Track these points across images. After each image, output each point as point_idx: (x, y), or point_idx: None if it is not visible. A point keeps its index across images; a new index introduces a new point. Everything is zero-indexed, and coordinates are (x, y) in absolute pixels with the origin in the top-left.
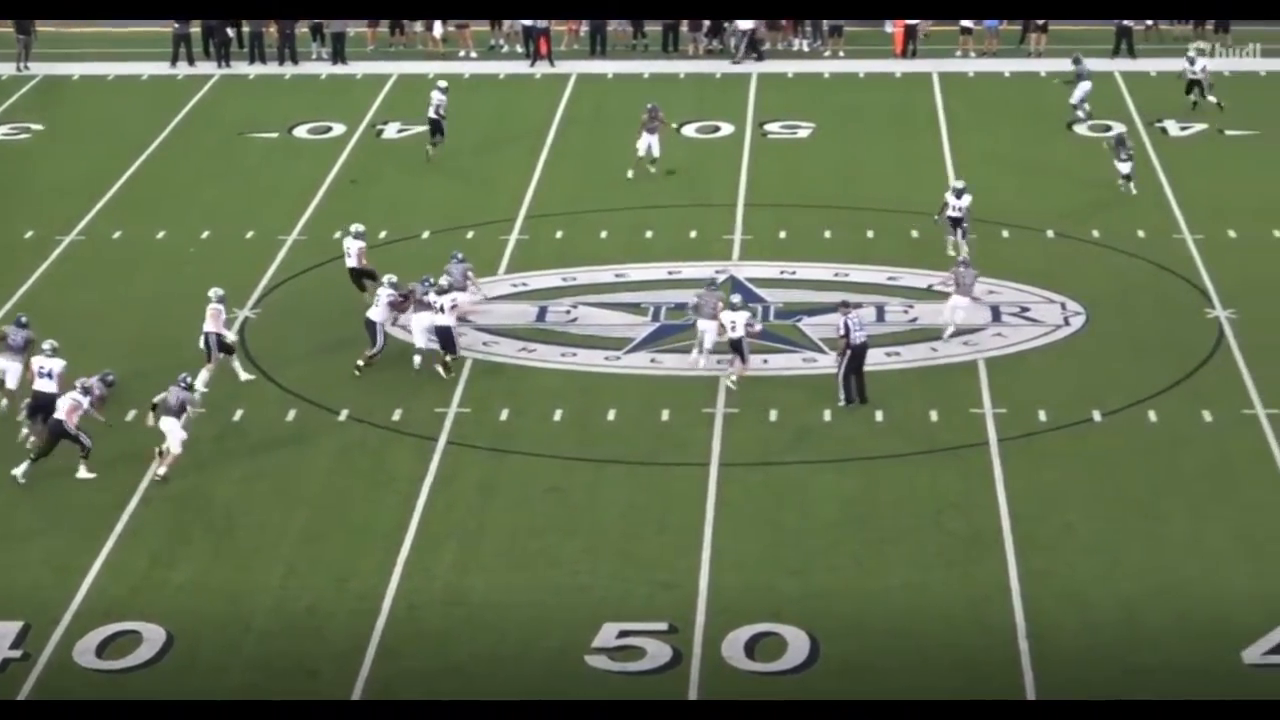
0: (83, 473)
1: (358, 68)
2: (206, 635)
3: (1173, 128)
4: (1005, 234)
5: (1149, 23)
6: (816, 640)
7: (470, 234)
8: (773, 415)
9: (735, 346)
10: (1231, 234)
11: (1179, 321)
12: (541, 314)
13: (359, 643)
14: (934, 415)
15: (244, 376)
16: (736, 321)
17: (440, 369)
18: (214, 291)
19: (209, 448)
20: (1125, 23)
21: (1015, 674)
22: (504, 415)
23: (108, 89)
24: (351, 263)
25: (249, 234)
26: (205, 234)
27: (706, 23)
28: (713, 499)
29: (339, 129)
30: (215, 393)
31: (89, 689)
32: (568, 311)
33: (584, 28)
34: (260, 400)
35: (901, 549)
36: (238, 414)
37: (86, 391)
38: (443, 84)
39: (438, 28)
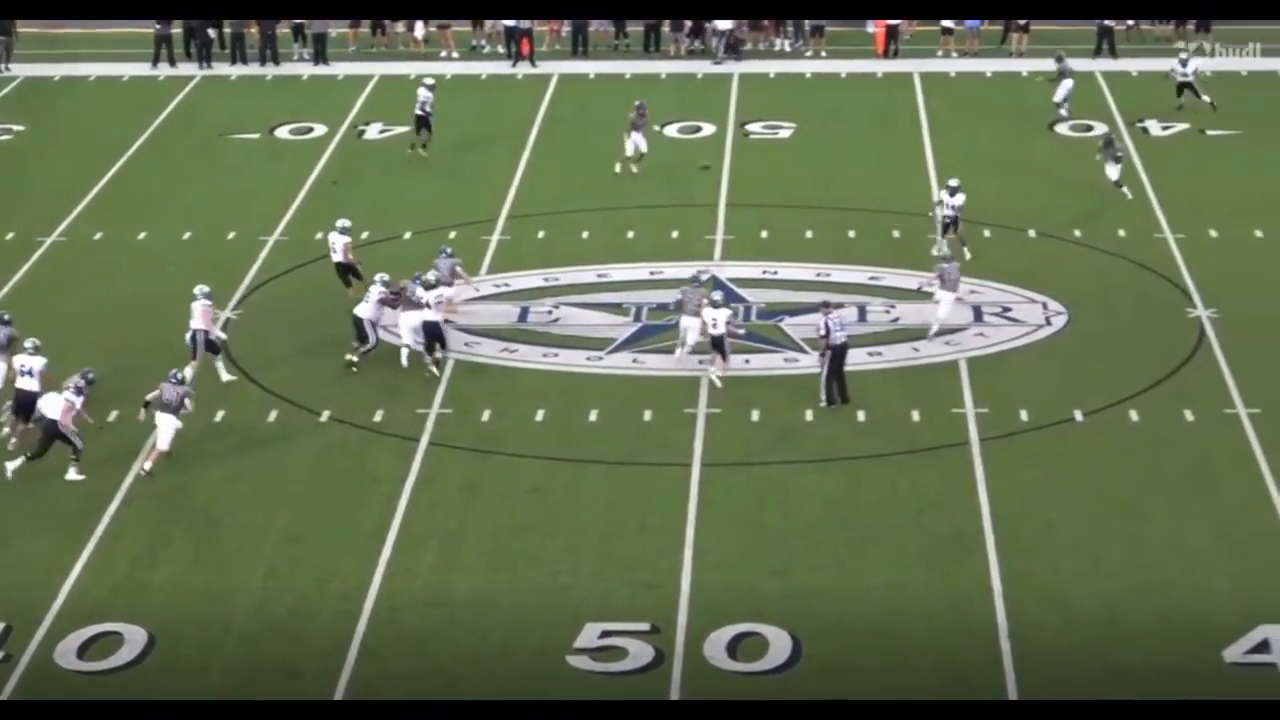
0: (72, 474)
1: (339, 68)
2: (188, 636)
3: (1154, 127)
4: (987, 234)
5: (1130, 23)
6: (799, 640)
7: (452, 234)
8: (755, 415)
9: (717, 344)
10: (1213, 234)
11: (1160, 321)
12: (523, 314)
13: (341, 643)
14: (916, 415)
15: (225, 377)
16: (718, 319)
17: (434, 368)
18: (200, 289)
19: (190, 448)
20: (1106, 23)
21: (997, 674)
22: (486, 416)
23: (89, 90)
24: (337, 258)
25: (230, 234)
26: (187, 235)
27: (688, 23)
28: (695, 499)
29: (321, 130)
30: (197, 393)
31: (70, 690)
32: (549, 312)
33: (565, 28)
34: (242, 401)
35: (883, 549)
36: (219, 415)
37: (79, 391)
38: (429, 81)
39: (419, 28)
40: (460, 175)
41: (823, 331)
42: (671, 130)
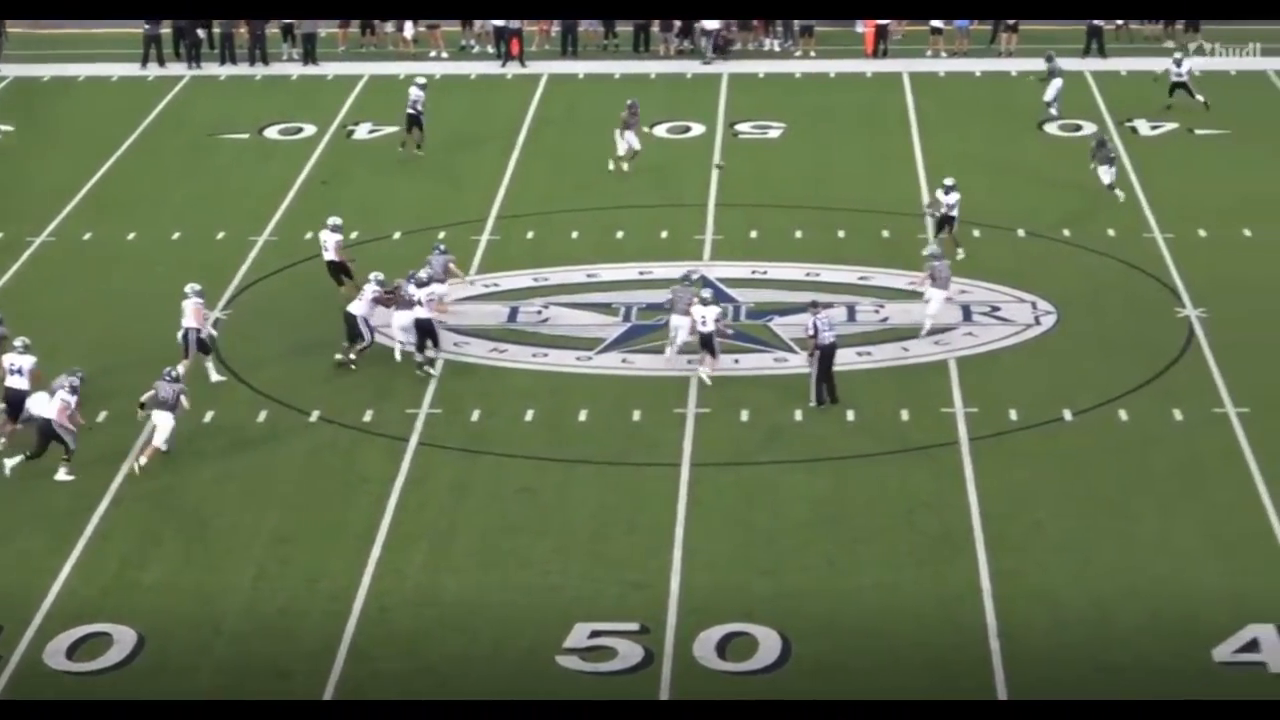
0: (62, 475)
1: (328, 68)
2: (177, 636)
3: (1143, 127)
4: (976, 233)
5: (1119, 22)
6: (788, 640)
7: (442, 234)
8: (744, 415)
9: (706, 342)
10: (1202, 233)
11: (1149, 321)
12: (513, 314)
13: (330, 643)
14: (905, 415)
15: (215, 378)
16: (707, 316)
17: (428, 367)
18: (191, 287)
19: (180, 448)
20: (1096, 22)
21: (986, 673)
22: (475, 416)
23: (78, 90)
24: (329, 256)
25: (220, 235)
26: (176, 235)
27: (677, 23)
28: (684, 499)
29: (310, 130)
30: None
31: (60, 691)
32: (539, 312)
33: (555, 28)
34: (231, 401)
35: (873, 548)
36: (209, 415)
37: (74, 391)
38: (421, 80)
39: (408, 28)
40: (449, 175)
41: (811, 331)
42: (661, 130)
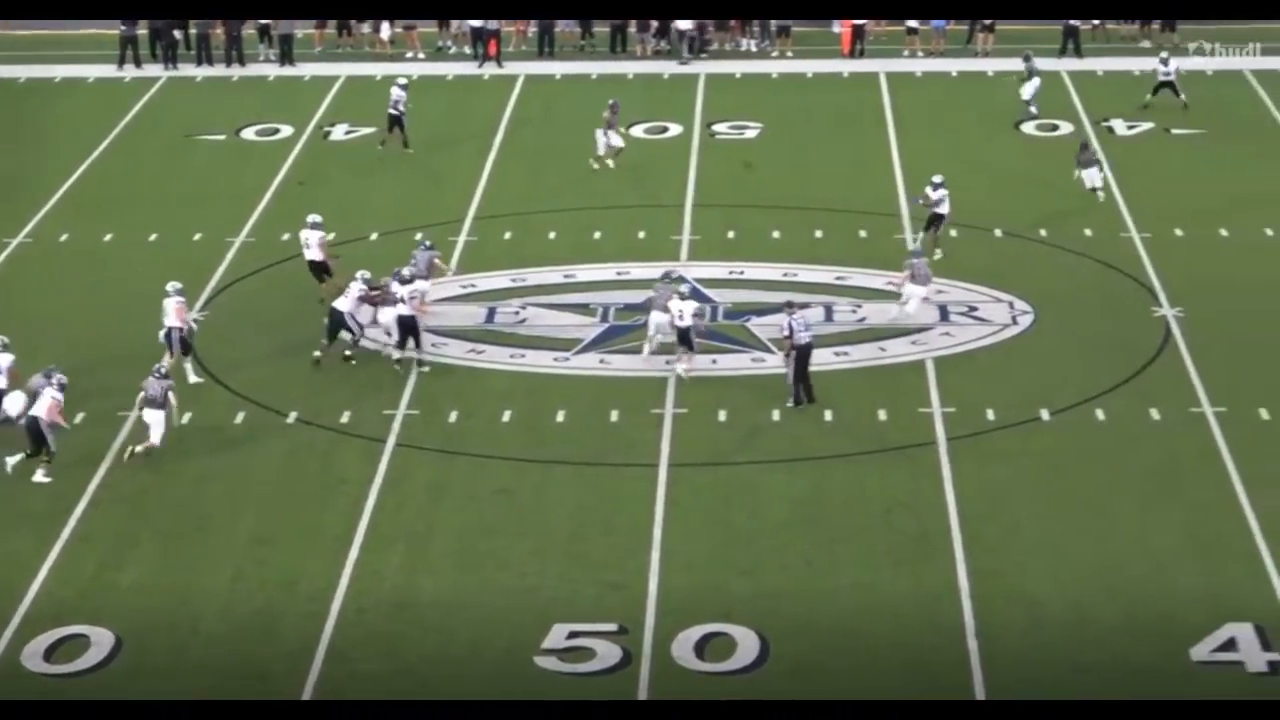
0: (39, 476)
1: (305, 69)
2: (155, 638)
3: (1119, 127)
4: (954, 233)
5: (1095, 22)
6: (766, 640)
7: (418, 235)
8: (722, 415)
9: (683, 337)
10: (1178, 232)
11: (1126, 320)
12: (490, 315)
13: (308, 644)
14: (883, 415)
15: (192, 379)
16: (685, 311)
17: (419, 366)
18: (172, 285)
19: (157, 450)
20: (1072, 22)
21: (964, 673)
22: (453, 417)
23: (54, 91)
24: (313, 255)
25: (197, 236)
26: (153, 236)
27: (654, 23)
28: (662, 499)
29: (287, 130)
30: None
31: (38, 693)
32: (516, 313)
33: (531, 28)
34: (209, 402)
35: (851, 548)
36: (186, 416)
37: (62, 388)
38: (402, 81)
39: (385, 29)
40: (427, 176)
41: (786, 332)
42: (638, 131)
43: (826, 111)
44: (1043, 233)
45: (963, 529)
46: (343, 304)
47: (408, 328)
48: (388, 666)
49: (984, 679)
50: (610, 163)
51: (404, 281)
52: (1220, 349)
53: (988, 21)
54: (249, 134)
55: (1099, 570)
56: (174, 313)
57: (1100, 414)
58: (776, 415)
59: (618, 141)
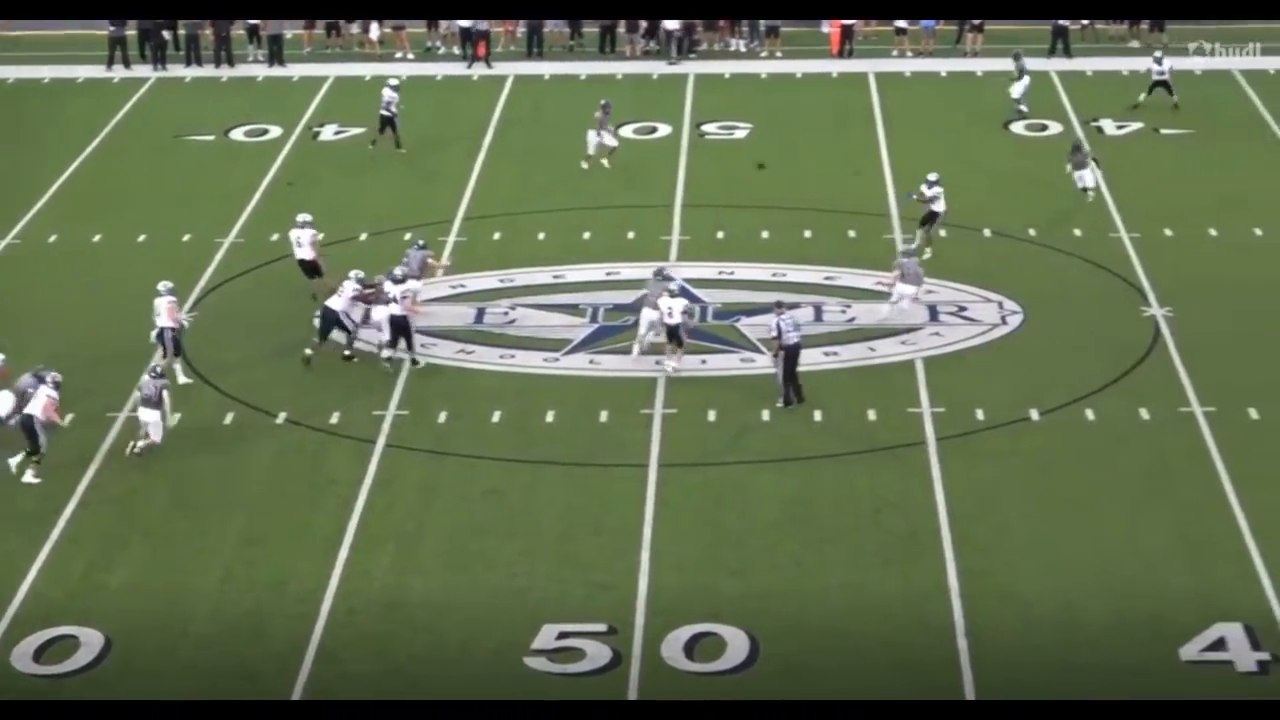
0: (29, 477)
1: (294, 70)
2: (145, 639)
3: (1109, 127)
4: (942, 233)
5: (1084, 22)
6: (756, 640)
7: (407, 235)
8: (711, 415)
9: (672, 333)
10: (1167, 232)
11: (1116, 320)
12: (479, 315)
13: (298, 645)
14: (872, 415)
15: (181, 380)
16: (674, 308)
17: (411, 364)
18: (163, 285)
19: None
20: (1061, 22)
21: (954, 673)
22: (442, 417)
23: (43, 91)
24: (304, 254)
25: (186, 237)
26: (142, 237)
27: (644, 23)
28: (652, 500)
29: (276, 131)
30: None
31: (27, 694)
32: (506, 313)
33: (520, 29)
34: (198, 403)
35: (840, 548)
36: (175, 417)
37: (57, 386)
38: (394, 82)
39: (374, 29)
40: (416, 177)
41: (774, 332)
42: (627, 131)
43: (816, 112)
44: (1032, 233)
45: (952, 529)
46: (336, 303)
47: (400, 328)
48: (377, 667)
49: (973, 679)
50: (605, 162)
51: (397, 281)
52: (1209, 349)
53: (977, 22)
54: (238, 134)
55: (1089, 570)
56: (166, 312)
57: (1090, 414)
58: (766, 415)
59: (611, 141)
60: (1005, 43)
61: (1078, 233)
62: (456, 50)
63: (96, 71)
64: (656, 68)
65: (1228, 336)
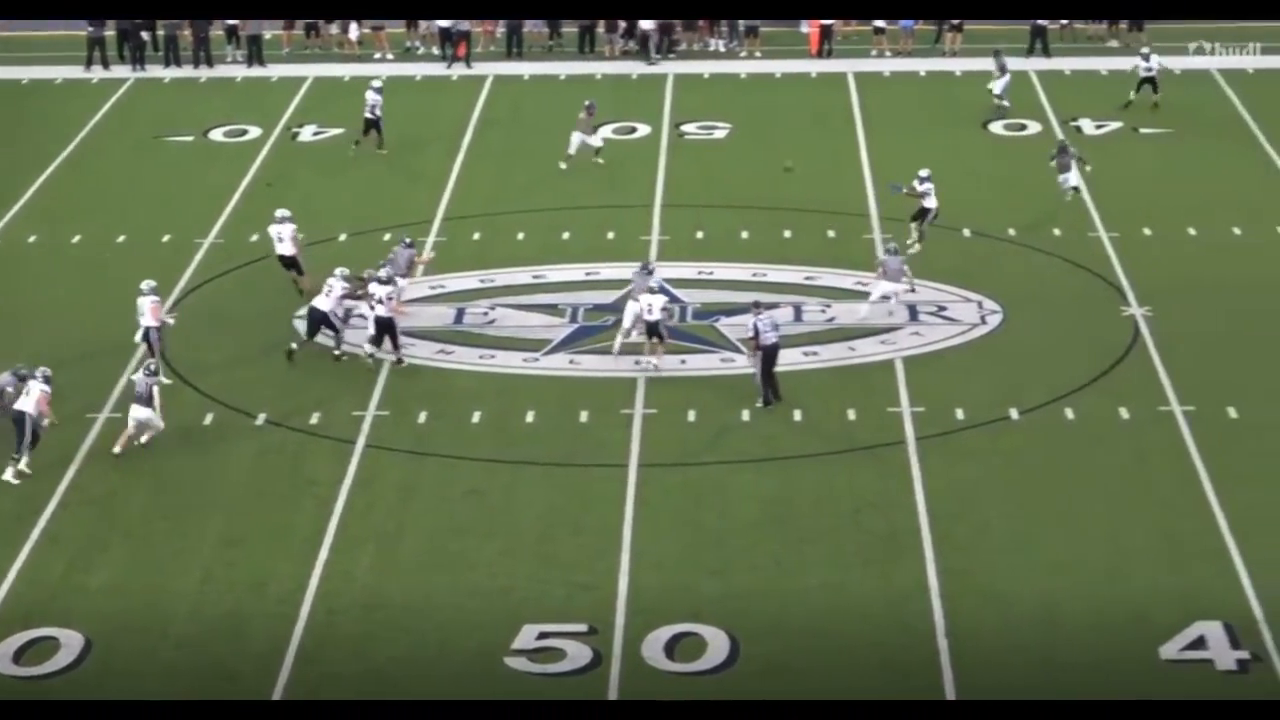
0: (8, 477)
1: (273, 70)
2: (125, 640)
3: (1088, 126)
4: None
5: (1063, 22)
6: (736, 640)
7: (387, 236)
8: (691, 416)
9: (652, 330)
10: (1147, 232)
11: (1095, 319)
12: (459, 316)
13: (278, 646)
14: (852, 414)
15: (162, 381)
16: (654, 304)
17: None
18: (146, 284)
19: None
20: (1040, 22)
21: (935, 673)
22: (422, 418)
23: (22, 92)
24: (284, 249)
25: (165, 237)
26: (121, 238)
27: (623, 24)
28: (631, 500)
29: (255, 132)
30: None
31: (6, 695)
32: (485, 313)
33: (499, 29)
34: (177, 404)
35: (820, 548)
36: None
37: (48, 380)
38: (377, 83)
39: (354, 30)
40: (395, 177)
41: (751, 333)
42: (606, 131)
43: (795, 112)
44: (1011, 232)
45: (932, 528)
46: (323, 303)
47: (385, 327)
48: (358, 668)
49: (954, 678)
50: (598, 159)
51: (383, 282)
52: (1189, 348)
53: (955, 21)
54: (217, 135)
55: (1068, 569)
56: (149, 311)
57: (1069, 413)
58: (746, 415)
59: (596, 141)
60: (984, 42)
61: (1057, 232)
62: (436, 50)
63: (75, 72)
64: (636, 68)
65: (1207, 336)
